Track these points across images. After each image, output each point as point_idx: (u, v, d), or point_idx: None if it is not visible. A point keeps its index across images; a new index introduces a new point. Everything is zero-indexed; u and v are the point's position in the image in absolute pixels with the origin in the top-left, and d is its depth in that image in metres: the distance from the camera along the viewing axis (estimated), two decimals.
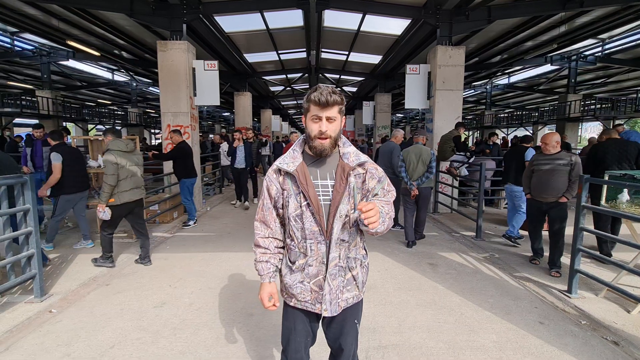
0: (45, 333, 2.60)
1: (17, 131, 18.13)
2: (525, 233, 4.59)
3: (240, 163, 7.08)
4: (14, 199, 3.08)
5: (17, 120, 16.16)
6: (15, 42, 10.98)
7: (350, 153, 1.36)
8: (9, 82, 15.62)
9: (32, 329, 2.64)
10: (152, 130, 26.22)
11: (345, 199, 1.32)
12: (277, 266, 1.47)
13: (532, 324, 2.75)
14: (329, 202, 1.33)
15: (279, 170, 1.39)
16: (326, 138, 1.31)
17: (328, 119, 1.30)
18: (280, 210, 1.42)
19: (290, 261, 1.43)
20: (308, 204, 1.32)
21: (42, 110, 12.58)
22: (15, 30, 9.84)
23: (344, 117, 1.39)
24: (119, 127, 20.99)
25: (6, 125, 15.26)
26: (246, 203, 7.38)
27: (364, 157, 1.36)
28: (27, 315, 2.85)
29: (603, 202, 3.70)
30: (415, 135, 5.00)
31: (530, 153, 4.75)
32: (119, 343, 2.47)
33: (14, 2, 7.07)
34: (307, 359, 1.52)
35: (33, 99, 13.06)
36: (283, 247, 1.49)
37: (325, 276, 1.35)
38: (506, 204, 7.32)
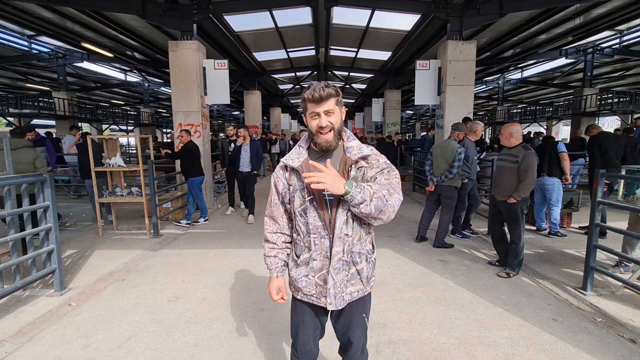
0: (65, 325, 2.69)
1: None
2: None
3: (244, 166, 5.82)
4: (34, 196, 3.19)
5: (35, 121, 16.64)
6: (33, 45, 11.30)
7: (354, 147, 1.36)
8: (26, 84, 16.11)
9: (53, 321, 2.75)
10: (164, 130, 26.67)
11: None
12: (284, 261, 1.50)
13: (545, 321, 2.71)
14: (333, 197, 1.34)
15: (285, 167, 1.41)
16: (329, 131, 1.31)
17: (326, 112, 1.30)
18: (288, 206, 1.44)
19: (296, 255, 1.46)
20: (312, 198, 1.33)
21: (58, 111, 12.94)
22: (32, 33, 10.12)
23: (344, 107, 1.38)
24: (132, 127, 21.45)
25: (25, 126, 15.76)
26: (251, 216, 5.90)
27: (367, 150, 1.35)
28: (48, 308, 2.96)
29: (620, 197, 3.61)
30: (451, 130, 4.78)
31: (562, 145, 4.83)
32: (135, 335, 2.55)
33: (31, 5, 7.27)
34: (317, 351, 1.55)
35: (50, 100, 13.44)
36: (291, 242, 1.51)
37: (328, 270, 1.36)
38: None
